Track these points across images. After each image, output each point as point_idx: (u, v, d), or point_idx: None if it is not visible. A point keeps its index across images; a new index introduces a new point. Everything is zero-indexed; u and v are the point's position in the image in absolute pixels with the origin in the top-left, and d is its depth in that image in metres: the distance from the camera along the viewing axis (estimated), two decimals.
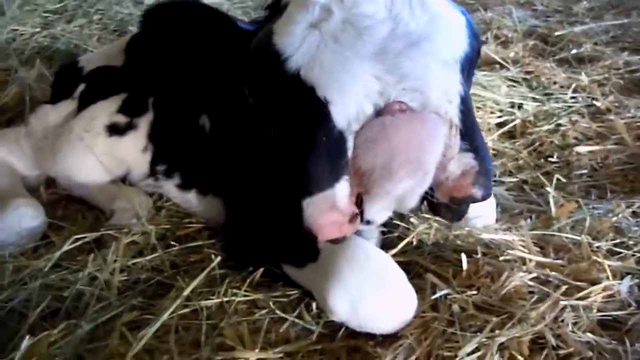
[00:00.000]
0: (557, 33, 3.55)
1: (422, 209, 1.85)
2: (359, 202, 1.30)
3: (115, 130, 2.23)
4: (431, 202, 1.34)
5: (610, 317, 1.54)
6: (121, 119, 2.24)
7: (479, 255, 1.72)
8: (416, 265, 1.77)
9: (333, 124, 1.26)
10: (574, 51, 3.29)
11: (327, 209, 1.27)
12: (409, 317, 1.53)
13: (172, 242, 1.98)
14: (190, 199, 2.15)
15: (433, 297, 1.61)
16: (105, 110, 2.25)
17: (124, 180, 2.32)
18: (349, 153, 1.26)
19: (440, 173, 1.27)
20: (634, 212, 1.98)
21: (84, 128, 2.25)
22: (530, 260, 1.70)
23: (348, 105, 1.27)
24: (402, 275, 1.55)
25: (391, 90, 1.27)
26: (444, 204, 1.33)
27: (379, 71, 1.29)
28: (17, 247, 2.00)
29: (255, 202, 1.77)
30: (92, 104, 2.28)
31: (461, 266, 1.70)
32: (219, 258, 1.78)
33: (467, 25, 1.47)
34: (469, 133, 1.31)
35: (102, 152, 2.23)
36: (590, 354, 1.43)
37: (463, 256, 1.70)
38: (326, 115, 1.27)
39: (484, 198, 1.32)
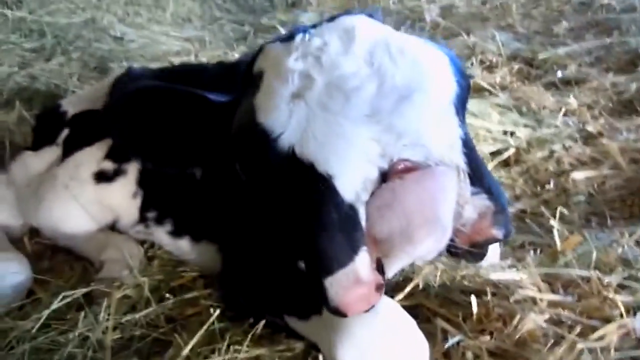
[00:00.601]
0: (541, 56, 3.56)
1: None
2: (380, 267, 1.24)
3: (103, 177, 2.16)
4: (451, 250, 1.29)
5: (629, 358, 1.49)
6: (109, 165, 2.16)
7: (489, 297, 1.67)
8: (423, 308, 1.71)
9: (341, 199, 1.20)
10: (559, 74, 3.30)
11: (352, 284, 1.19)
12: None
13: (167, 295, 1.90)
14: (183, 246, 2.08)
15: (445, 344, 1.55)
16: (92, 157, 2.18)
17: (112, 227, 2.24)
18: (363, 223, 1.20)
19: (457, 221, 1.22)
20: (637, 241, 1.94)
21: (69, 176, 2.17)
22: (541, 299, 1.65)
23: (353, 176, 1.21)
24: (412, 324, 1.49)
25: (392, 150, 1.22)
26: (465, 249, 1.27)
27: (376, 133, 1.23)
28: (1, 306, 1.90)
29: (254, 250, 1.70)
30: (77, 151, 2.21)
31: (471, 308, 1.64)
32: (217, 312, 1.70)
33: (452, 64, 1.42)
34: (477, 174, 1.27)
35: (90, 201, 2.15)
36: None
37: (473, 298, 1.64)
38: (332, 191, 1.20)
39: (505, 237, 1.28)
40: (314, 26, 1.46)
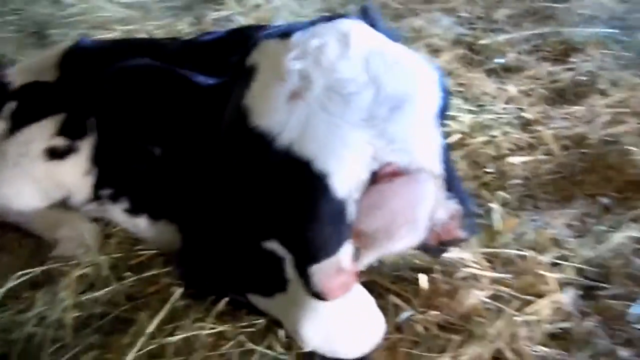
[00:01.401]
0: (482, 42, 3.72)
1: None
2: (356, 255, 1.33)
3: (54, 154, 2.11)
4: (420, 246, 1.40)
5: (559, 329, 1.68)
6: (61, 141, 2.11)
7: (436, 274, 1.81)
8: (376, 285, 1.83)
9: (334, 195, 1.28)
10: (501, 61, 3.47)
11: (335, 273, 1.29)
12: (378, 340, 1.59)
13: (126, 273, 1.91)
14: (140, 224, 2.07)
15: (397, 319, 1.68)
16: (43, 133, 2.11)
17: (63, 204, 2.20)
18: (351, 218, 1.29)
19: (430, 221, 1.33)
20: (567, 223, 2.14)
21: (19, 153, 2.10)
22: (483, 276, 1.81)
23: (347, 176, 1.28)
24: (370, 300, 1.61)
25: (382, 153, 1.30)
26: (433, 246, 1.39)
27: (370, 137, 1.31)
28: None
29: (217, 230, 1.74)
30: (27, 126, 2.14)
31: (420, 285, 1.78)
32: (180, 290, 1.74)
33: (439, 81, 1.50)
34: (450, 180, 1.38)
35: (41, 177, 2.10)
36: None
37: (421, 276, 1.78)
38: (327, 187, 1.28)
39: (469, 238, 1.41)
40: (311, 23, 1.49)
